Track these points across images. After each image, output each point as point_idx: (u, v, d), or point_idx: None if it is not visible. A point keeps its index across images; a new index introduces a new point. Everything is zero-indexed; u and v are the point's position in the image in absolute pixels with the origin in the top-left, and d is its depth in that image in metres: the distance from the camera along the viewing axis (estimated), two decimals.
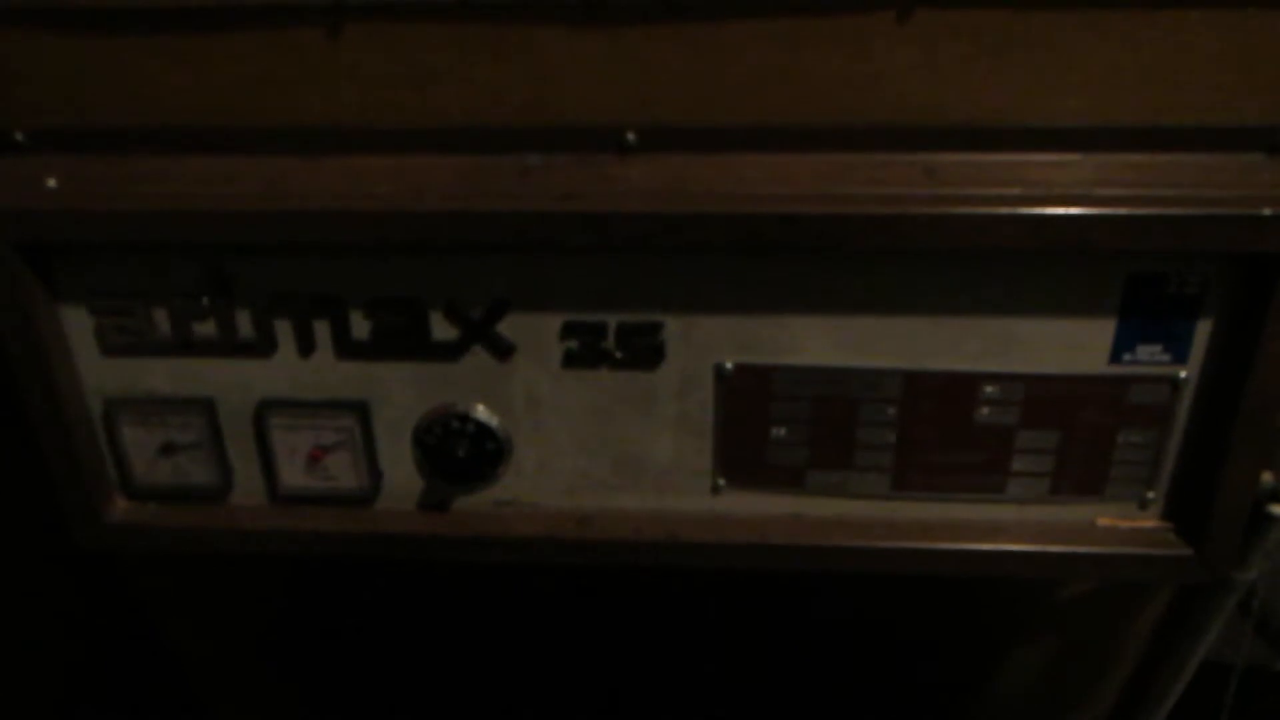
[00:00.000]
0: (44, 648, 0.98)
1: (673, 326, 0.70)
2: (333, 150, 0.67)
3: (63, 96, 0.66)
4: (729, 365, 0.71)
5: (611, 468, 0.76)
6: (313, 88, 0.65)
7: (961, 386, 0.71)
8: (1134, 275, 0.67)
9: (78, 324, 0.71)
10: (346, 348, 0.71)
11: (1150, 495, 0.74)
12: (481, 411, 0.73)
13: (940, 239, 0.64)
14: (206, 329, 0.71)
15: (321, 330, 0.71)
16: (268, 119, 0.66)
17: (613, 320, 0.70)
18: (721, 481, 0.76)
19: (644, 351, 0.71)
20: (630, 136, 0.66)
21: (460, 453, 0.73)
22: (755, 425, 0.73)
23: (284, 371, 0.72)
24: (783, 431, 0.74)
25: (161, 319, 0.71)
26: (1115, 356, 0.70)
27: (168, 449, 0.74)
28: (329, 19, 0.62)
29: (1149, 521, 0.76)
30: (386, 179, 0.66)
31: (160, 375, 0.73)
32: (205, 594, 0.97)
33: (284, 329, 0.71)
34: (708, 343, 0.71)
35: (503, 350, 0.71)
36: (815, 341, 0.70)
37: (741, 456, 0.75)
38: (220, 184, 0.66)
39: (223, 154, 0.67)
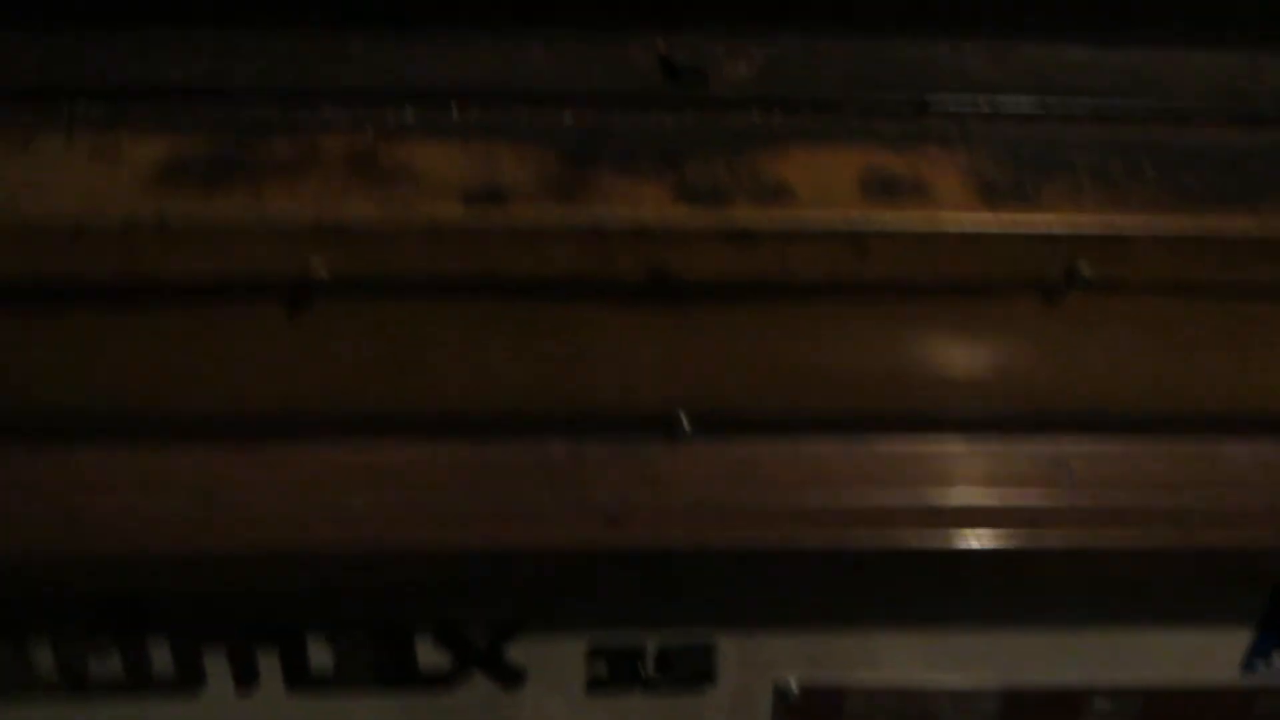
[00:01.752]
0: None
1: (727, 647, 0.56)
2: (288, 440, 0.50)
3: None
4: (794, 686, 0.57)
5: None
6: (265, 366, 0.48)
7: (1068, 701, 0.59)
8: None
9: None
10: (301, 679, 0.54)
11: None
12: None
13: (1074, 572, 0.51)
14: (108, 663, 0.53)
15: (268, 658, 0.54)
16: (202, 403, 0.48)
17: (652, 643, 0.55)
18: None
19: (690, 677, 0.56)
20: (684, 422, 0.51)
21: None
22: None
23: (214, 710, 0.55)
24: None
25: (43, 657, 0.52)
26: (1248, 665, 0.59)
27: None
28: (291, 299, 0.45)
29: None
30: (359, 484, 0.49)
31: None
32: None
33: (216, 659, 0.53)
34: (769, 660, 0.56)
35: (510, 679, 0.55)
36: (897, 656, 0.57)
37: None
38: (135, 493, 0.48)
39: (141, 448, 0.49)
